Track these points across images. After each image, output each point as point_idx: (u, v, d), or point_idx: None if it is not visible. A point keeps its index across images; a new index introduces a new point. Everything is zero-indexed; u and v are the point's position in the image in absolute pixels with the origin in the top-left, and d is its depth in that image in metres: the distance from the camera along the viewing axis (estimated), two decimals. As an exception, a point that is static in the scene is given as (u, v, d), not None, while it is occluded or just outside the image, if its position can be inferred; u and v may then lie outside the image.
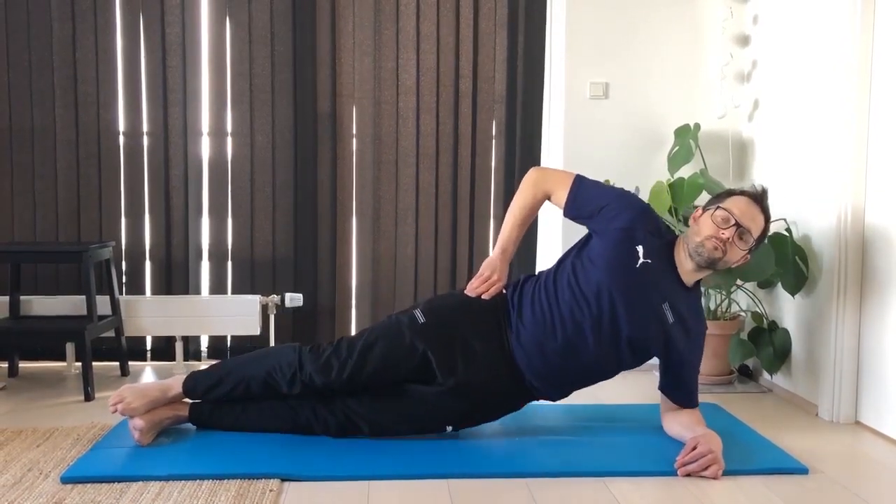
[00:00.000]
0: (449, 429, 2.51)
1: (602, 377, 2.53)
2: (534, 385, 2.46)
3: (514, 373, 2.44)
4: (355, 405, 2.45)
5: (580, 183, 2.52)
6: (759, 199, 2.43)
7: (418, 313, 2.48)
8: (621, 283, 2.36)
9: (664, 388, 2.55)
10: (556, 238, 3.58)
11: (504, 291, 2.53)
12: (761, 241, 2.45)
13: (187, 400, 2.54)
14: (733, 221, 2.36)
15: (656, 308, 2.38)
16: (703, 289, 3.22)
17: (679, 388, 2.52)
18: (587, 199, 2.49)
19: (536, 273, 2.62)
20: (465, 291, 2.53)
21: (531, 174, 2.60)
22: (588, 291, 2.38)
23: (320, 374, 2.40)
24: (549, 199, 2.57)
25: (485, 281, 2.51)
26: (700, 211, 2.47)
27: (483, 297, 2.50)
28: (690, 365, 2.49)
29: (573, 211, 2.51)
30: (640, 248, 2.38)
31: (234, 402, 2.52)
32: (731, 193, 2.46)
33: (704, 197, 3.33)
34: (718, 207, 2.39)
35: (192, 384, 2.51)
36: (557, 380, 2.46)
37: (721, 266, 2.42)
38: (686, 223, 3.21)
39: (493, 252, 2.59)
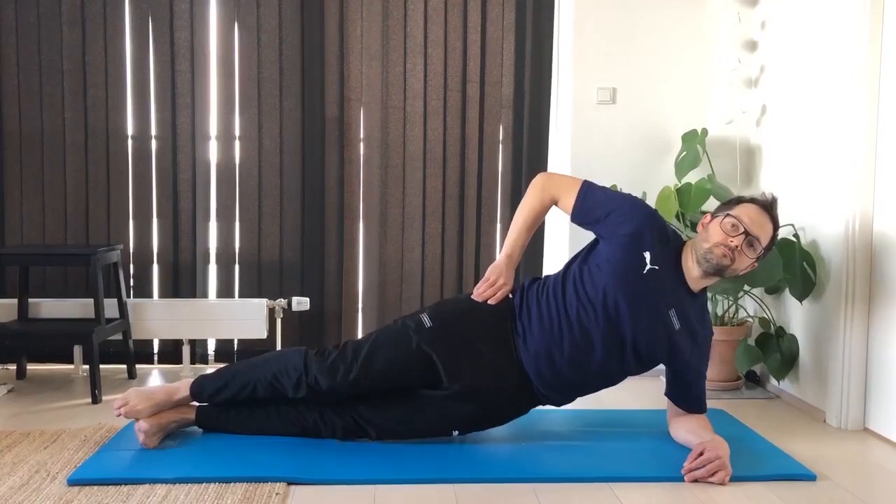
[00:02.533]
0: (455, 433, 2.51)
1: (608, 384, 2.53)
2: (540, 391, 2.46)
3: (522, 379, 2.44)
4: (363, 409, 2.45)
5: (587, 189, 2.51)
6: (768, 207, 2.42)
7: (425, 318, 2.48)
8: (627, 289, 2.36)
9: (671, 394, 2.54)
10: (563, 243, 3.58)
11: (511, 296, 2.53)
12: (769, 249, 2.44)
13: (194, 403, 2.55)
14: (742, 229, 2.35)
15: (662, 314, 2.38)
16: (709, 294, 3.22)
17: (686, 395, 2.51)
18: (594, 204, 2.48)
19: (542, 276, 2.61)
20: (472, 296, 2.53)
21: (538, 180, 2.59)
22: (594, 297, 2.38)
23: (325, 377, 2.40)
24: (556, 204, 2.57)
25: (491, 285, 2.51)
26: (709, 217, 2.46)
27: (489, 301, 2.50)
28: (696, 371, 2.48)
29: (580, 216, 2.50)
30: (647, 255, 2.37)
31: (241, 405, 2.52)
32: (740, 200, 2.45)
33: (712, 202, 3.32)
34: (728, 215, 2.38)
35: (199, 387, 2.51)
36: (564, 387, 2.46)
37: (729, 273, 2.41)
38: (693, 229, 3.22)
39: (499, 257, 2.58)
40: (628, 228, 2.40)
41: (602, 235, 2.47)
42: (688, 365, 2.45)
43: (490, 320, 2.48)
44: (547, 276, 2.57)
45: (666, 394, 2.56)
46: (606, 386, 2.54)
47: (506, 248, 2.57)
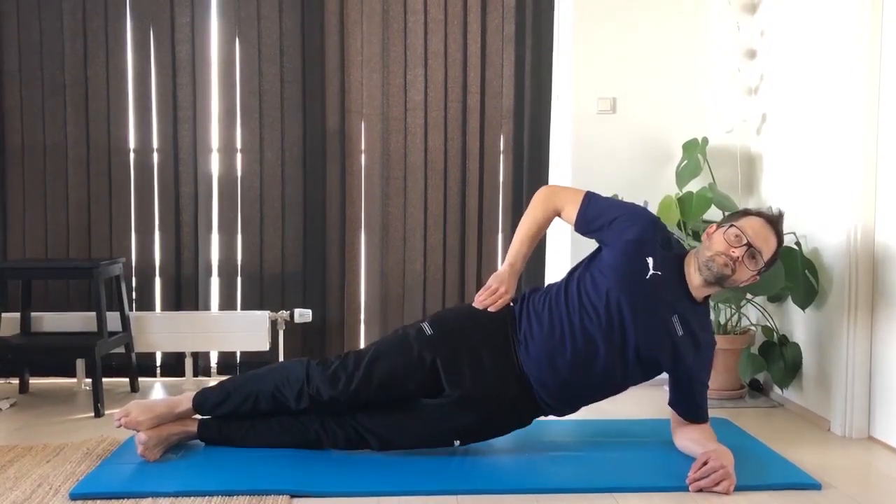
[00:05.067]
0: (457, 443, 2.51)
1: (612, 391, 2.53)
2: (543, 399, 2.45)
3: (523, 386, 2.44)
4: (364, 419, 2.45)
5: (591, 198, 2.55)
6: (773, 221, 2.43)
7: (426, 326, 2.49)
8: (630, 293, 2.37)
9: (674, 403, 2.54)
10: (564, 254, 3.58)
11: (511, 304, 2.54)
12: (771, 263, 2.44)
13: (196, 416, 2.55)
14: (745, 241, 2.36)
15: (665, 320, 2.39)
16: (712, 303, 3.22)
17: (688, 404, 2.51)
18: (598, 213, 2.50)
19: (544, 286, 2.62)
20: (473, 304, 2.54)
21: (541, 192, 2.63)
22: (598, 301, 2.39)
23: (327, 386, 2.41)
24: (559, 215, 2.59)
25: (492, 293, 2.52)
26: (714, 227, 2.47)
27: (490, 309, 2.50)
28: (698, 380, 2.48)
29: (584, 225, 2.53)
30: (650, 260, 2.39)
31: (243, 418, 2.52)
32: (746, 213, 2.47)
33: (713, 211, 3.33)
34: (732, 225, 2.40)
35: (201, 399, 2.52)
36: (567, 394, 2.46)
37: (729, 284, 2.42)
38: (696, 238, 3.22)
39: (502, 266, 2.60)
40: (632, 234, 2.42)
41: (605, 242, 2.49)
42: (690, 372, 2.45)
43: (491, 327, 2.49)
44: (549, 285, 2.58)
45: (669, 403, 2.55)
46: (609, 394, 2.53)
47: (508, 257, 2.59)
